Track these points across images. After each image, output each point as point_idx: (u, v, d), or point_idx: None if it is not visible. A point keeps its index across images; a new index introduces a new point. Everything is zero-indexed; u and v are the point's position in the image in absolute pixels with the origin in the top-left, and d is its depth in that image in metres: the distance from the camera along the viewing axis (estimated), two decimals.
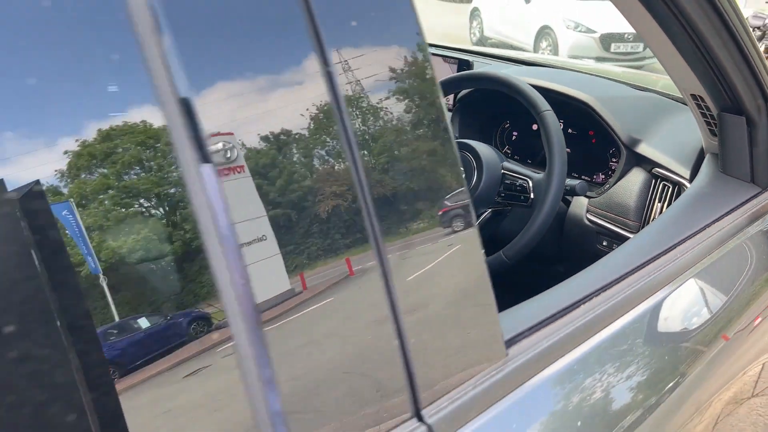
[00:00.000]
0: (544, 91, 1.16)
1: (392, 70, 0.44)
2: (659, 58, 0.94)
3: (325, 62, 0.39)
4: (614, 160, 1.23)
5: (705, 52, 0.85)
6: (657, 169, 1.10)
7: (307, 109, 0.39)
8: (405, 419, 0.44)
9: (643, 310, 0.67)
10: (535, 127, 1.35)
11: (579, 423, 0.55)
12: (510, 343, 0.53)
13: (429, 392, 0.45)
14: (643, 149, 1.12)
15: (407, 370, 0.44)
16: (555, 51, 6.80)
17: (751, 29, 0.86)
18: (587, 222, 1.18)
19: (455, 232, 0.47)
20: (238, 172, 0.36)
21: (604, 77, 1.39)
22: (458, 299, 0.48)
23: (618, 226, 1.14)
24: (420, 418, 0.44)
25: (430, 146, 0.46)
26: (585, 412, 0.56)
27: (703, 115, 1.02)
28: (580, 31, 6.77)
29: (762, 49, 3.81)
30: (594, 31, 6.68)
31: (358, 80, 0.42)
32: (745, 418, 0.91)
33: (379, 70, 0.43)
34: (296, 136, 0.39)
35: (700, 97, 0.98)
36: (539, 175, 1.04)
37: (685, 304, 0.75)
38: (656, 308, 0.69)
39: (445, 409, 0.46)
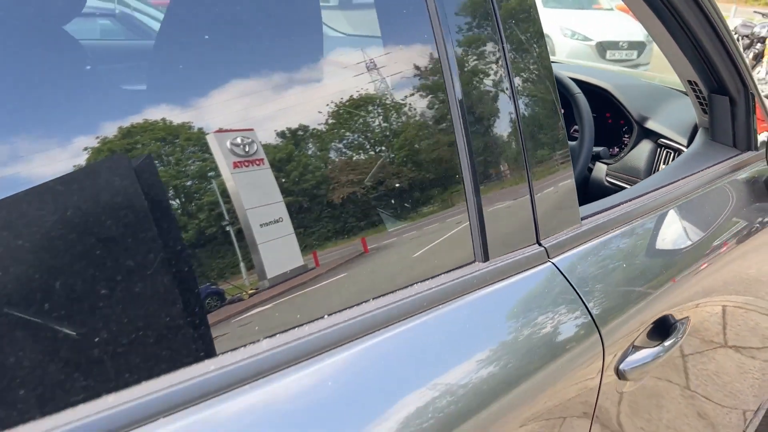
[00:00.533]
0: (571, 80, 1.48)
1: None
2: (663, 50, 1.26)
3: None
4: (627, 135, 1.56)
5: (696, 44, 1.18)
6: (662, 139, 1.43)
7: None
8: (530, 244, 0.76)
9: (640, 224, 0.97)
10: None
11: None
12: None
13: (546, 228, 0.77)
14: (651, 125, 1.45)
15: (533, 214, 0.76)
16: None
17: (730, 28, 1.19)
18: (607, 183, 1.51)
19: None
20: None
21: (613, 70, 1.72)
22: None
23: (631, 185, 1.46)
24: (540, 244, 0.77)
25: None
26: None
27: (697, 97, 1.35)
28: (577, 39, 7.15)
29: (750, 56, 4.33)
30: (590, 39, 7.07)
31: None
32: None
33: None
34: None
35: (694, 82, 1.30)
36: (572, 143, 1.36)
37: (675, 224, 1.06)
38: (655, 224, 1.00)
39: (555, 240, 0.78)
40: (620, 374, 0.80)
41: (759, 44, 8.75)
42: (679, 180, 1.10)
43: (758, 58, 8.71)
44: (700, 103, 1.35)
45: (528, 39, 0.74)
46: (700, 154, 1.27)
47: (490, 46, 0.71)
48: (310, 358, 0.57)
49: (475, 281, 0.69)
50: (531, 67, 0.75)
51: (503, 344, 0.68)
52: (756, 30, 8.89)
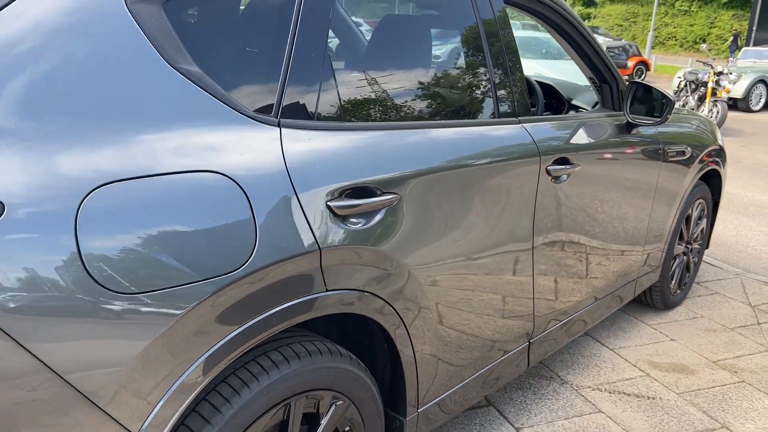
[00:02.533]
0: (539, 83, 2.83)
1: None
2: (576, 63, 2.61)
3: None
4: (563, 107, 2.90)
5: (589, 61, 2.54)
6: (580, 109, 2.77)
7: None
8: (513, 121, 2.08)
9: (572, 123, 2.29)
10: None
11: None
12: None
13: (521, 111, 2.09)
14: (574, 102, 2.80)
15: None
16: None
17: (591, 38, 2.52)
18: None
19: None
20: None
21: (552, 78, 3.09)
22: None
23: None
24: (518, 121, 2.09)
25: None
26: None
27: (594, 86, 2.70)
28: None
29: (696, 97, 6.61)
30: None
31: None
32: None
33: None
34: None
35: (591, 78, 2.66)
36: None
37: (582, 131, 2.38)
38: (576, 125, 2.32)
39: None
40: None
41: (702, 87, 10.42)
42: (586, 112, 2.44)
43: (702, 99, 10.35)
44: (596, 90, 2.69)
45: (505, 47, 2.07)
46: (595, 112, 2.61)
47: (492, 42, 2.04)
48: None
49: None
50: (505, 54, 2.07)
51: None
52: (699, 76, 10.58)
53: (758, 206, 6.04)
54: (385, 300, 1.56)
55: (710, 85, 10.26)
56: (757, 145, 9.51)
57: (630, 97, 2.54)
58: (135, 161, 1.12)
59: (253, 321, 1.27)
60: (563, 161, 2.13)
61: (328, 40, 1.51)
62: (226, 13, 1.41)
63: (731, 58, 11.25)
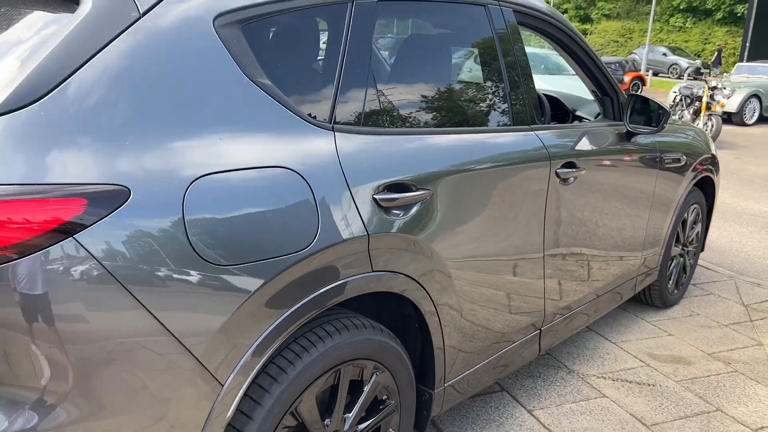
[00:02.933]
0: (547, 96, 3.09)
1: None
2: (580, 78, 2.87)
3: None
4: (567, 118, 3.15)
5: (592, 76, 2.80)
6: (583, 119, 3.02)
7: None
8: (526, 127, 2.33)
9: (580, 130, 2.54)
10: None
11: None
12: None
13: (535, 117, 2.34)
14: (578, 113, 3.05)
15: None
16: None
17: (593, 55, 2.78)
18: None
19: None
20: None
21: (559, 92, 3.34)
22: None
23: None
24: (531, 128, 2.34)
25: None
26: None
27: (597, 98, 2.95)
28: None
29: (691, 111, 7.08)
30: None
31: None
32: None
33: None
34: None
35: (594, 91, 2.91)
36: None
37: (586, 138, 2.63)
38: (581, 133, 2.56)
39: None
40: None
41: (697, 102, 10.72)
42: (590, 122, 2.69)
43: (697, 113, 10.65)
44: (598, 101, 2.95)
45: (518, 62, 2.32)
46: (598, 122, 2.86)
47: (506, 54, 2.29)
48: None
49: None
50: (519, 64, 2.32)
51: None
52: (694, 91, 10.88)
53: (751, 215, 6.29)
54: (418, 282, 1.80)
55: (705, 99, 10.57)
56: (751, 158, 9.78)
57: (629, 109, 2.79)
58: (224, 158, 1.36)
59: (316, 293, 1.50)
60: (570, 165, 2.38)
61: (373, 62, 1.76)
62: (291, 38, 1.66)
63: (715, 72, 11.62)
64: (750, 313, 3.78)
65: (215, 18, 1.43)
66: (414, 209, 1.74)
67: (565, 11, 47.28)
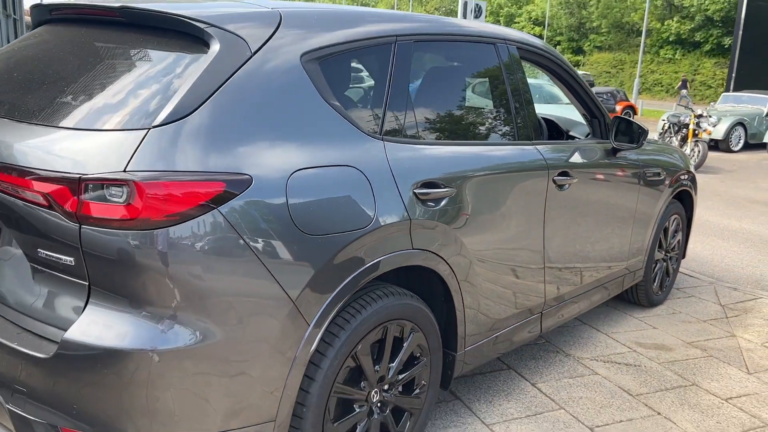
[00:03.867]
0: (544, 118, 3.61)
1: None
2: (570, 101, 3.39)
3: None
4: (561, 137, 3.67)
5: (582, 101, 3.32)
6: (576, 138, 3.53)
7: None
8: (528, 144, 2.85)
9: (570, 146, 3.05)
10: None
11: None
12: None
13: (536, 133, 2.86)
14: (571, 133, 3.57)
15: None
16: None
17: (583, 84, 3.31)
18: None
19: None
20: None
21: (554, 116, 3.87)
22: None
23: None
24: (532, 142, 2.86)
25: None
26: None
27: (586, 120, 3.47)
28: None
29: (679, 138, 7.93)
30: None
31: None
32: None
33: None
34: None
35: (584, 114, 3.44)
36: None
37: (578, 154, 3.13)
38: (573, 149, 3.07)
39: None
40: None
41: (684, 129, 11.33)
42: (581, 140, 3.21)
43: (684, 139, 11.25)
44: (587, 122, 3.47)
45: (521, 90, 2.84)
46: (588, 140, 3.38)
47: (512, 79, 2.81)
48: None
49: None
50: (521, 90, 2.84)
51: None
52: (681, 119, 11.50)
53: (732, 231, 6.81)
54: (446, 260, 2.28)
55: (691, 126, 11.18)
56: (735, 181, 10.35)
57: (614, 129, 3.31)
58: (310, 157, 1.86)
59: (373, 261, 1.98)
60: (565, 174, 2.88)
61: (410, 88, 2.27)
62: (352, 70, 2.17)
63: (678, 101, 12.31)
64: (726, 311, 4.25)
65: (301, 55, 1.94)
66: (443, 202, 2.24)
67: (558, 43, 48.55)
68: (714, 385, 3.18)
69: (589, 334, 3.74)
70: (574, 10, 49.31)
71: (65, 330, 1.62)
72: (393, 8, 56.94)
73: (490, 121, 2.74)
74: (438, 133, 2.43)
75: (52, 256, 1.63)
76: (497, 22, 51.33)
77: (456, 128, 2.53)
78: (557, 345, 3.54)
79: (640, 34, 37.59)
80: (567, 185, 2.89)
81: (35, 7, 2.36)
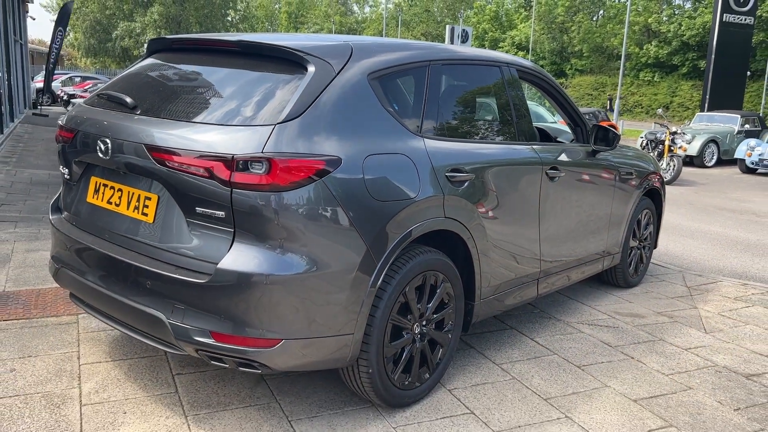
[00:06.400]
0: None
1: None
2: (558, 113, 4.19)
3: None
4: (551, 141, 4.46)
5: (567, 112, 4.13)
6: (563, 143, 4.33)
7: None
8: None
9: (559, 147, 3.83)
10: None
11: None
12: None
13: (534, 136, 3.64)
14: (559, 139, 4.36)
15: None
16: None
17: (568, 98, 4.12)
18: None
19: None
20: None
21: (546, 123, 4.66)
22: None
23: None
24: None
25: None
26: None
27: (571, 128, 4.27)
28: None
29: (655, 154, 9.20)
30: None
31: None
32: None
33: None
34: None
35: (569, 123, 4.24)
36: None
37: (564, 154, 3.92)
38: (559, 152, 3.85)
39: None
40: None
41: (661, 145, 12.26)
42: (567, 143, 4.01)
43: (661, 155, 12.18)
44: (572, 129, 4.26)
45: (520, 102, 3.63)
46: (572, 144, 4.18)
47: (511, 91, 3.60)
48: None
49: None
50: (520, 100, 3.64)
51: None
52: (658, 136, 12.45)
53: (701, 233, 7.64)
54: (467, 228, 3.03)
55: (667, 143, 12.11)
56: (707, 192, 11.25)
57: (594, 135, 4.11)
58: (377, 147, 2.61)
59: (419, 223, 2.73)
60: (555, 168, 3.66)
61: (440, 99, 3.05)
62: (400, 85, 2.94)
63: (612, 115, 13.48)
64: (691, 291, 5.04)
65: (367, 75, 2.71)
66: (465, 184, 3.00)
67: (542, 67, 49.95)
68: (677, 340, 3.95)
69: (575, 305, 4.50)
70: (556, 35, 50.96)
71: (216, 263, 2.35)
72: (382, 35, 58.29)
73: (497, 125, 3.52)
74: (460, 133, 3.21)
75: (207, 212, 2.37)
76: (482, 46, 52.88)
77: (472, 130, 3.32)
78: (549, 312, 4.30)
79: (619, 58, 39.04)
80: (557, 177, 3.68)
81: (155, 40, 3.13)
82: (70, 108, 14.77)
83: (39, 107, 21.85)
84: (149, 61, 3.07)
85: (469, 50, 3.42)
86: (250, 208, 2.31)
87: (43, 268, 4.60)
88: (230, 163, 2.30)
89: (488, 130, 3.46)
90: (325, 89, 2.53)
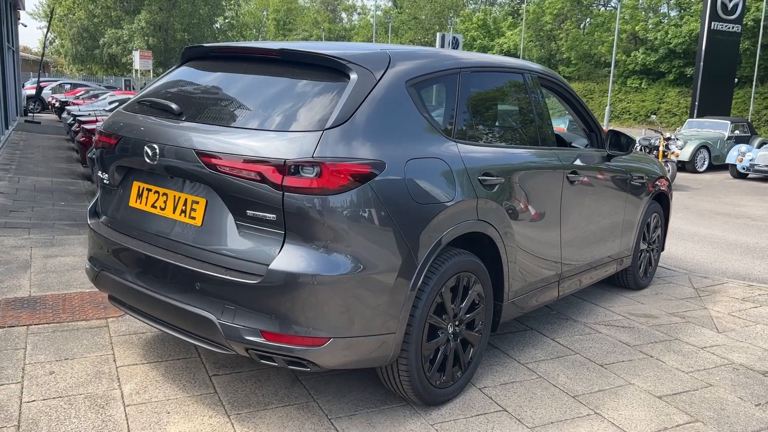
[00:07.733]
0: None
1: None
2: (574, 119, 4.31)
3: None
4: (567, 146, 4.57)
5: (582, 118, 4.24)
6: (579, 148, 4.44)
7: None
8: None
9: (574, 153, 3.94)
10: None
11: None
12: None
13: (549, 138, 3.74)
14: (573, 144, 4.48)
15: None
16: None
17: (584, 104, 4.24)
18: None
19: None
20: None
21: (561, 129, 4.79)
22: None
23: None
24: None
25: None
26: None
27: (586, 133, 4.38)
28: None
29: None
30: None
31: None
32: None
33: None
34: None
35: (584, 129, 4.35)
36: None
37: (579, 158, 4.03)
38: (574, 155, 3.96)
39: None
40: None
41: (655, 151, 12.44)
42: (583, 148, 4.12)
43: None
44: (587, 135, 4.37)
45: (543, 109, 3.74)
46: (588, 148, 4.29)
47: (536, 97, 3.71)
48: None
49: None
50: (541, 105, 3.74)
51: None
52: (651, 141, 12.63)
53: (700, 236, 7.80)
54: (498, 230, 3.12)
55: (661, 148, 12.32)
56: (701, 197, 11.45)
57: (608, 140, 4.22)
58: (417, 151, 2.70)
59: (455, 225, 2.82)
60: (575, 172, 3.77)
61: (470, 105, 3.15)
62: (434, 92, 3.03)
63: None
64: (699, 293, 5.16)
65: (405, 82, 2.79)
66: (496, 187, 3.09)
67: None
68: (692, 339, 4.06)
69: (590, 307, 4.60)
70: (544, 43, 51.46)
71: (267, 264, 2.42)
72: (372, 41, 58.50)
73: (522, 130, 3.63)
74: (489, 137, 3.30)
75: (258, 215, 2.44)
76: None
77: (500, 134, 3.43)
78: (567, 314, 4.40)
79: (607, 65, 39.49)
80: (576, 181, 3.78)
81: (191, 48, 3.19)
82: (65, 115, 14.73)
83: (31, 114, 21.73)
84: (185, 68, 3.14)
85: (495, 57, 3.53)
86: (300, 210, 2.39)
87: (65, 273, 4.63)
88: (282, 167, 2.37)
89: (515, 134, 3.56)
90: (367, 96, 2.61)
